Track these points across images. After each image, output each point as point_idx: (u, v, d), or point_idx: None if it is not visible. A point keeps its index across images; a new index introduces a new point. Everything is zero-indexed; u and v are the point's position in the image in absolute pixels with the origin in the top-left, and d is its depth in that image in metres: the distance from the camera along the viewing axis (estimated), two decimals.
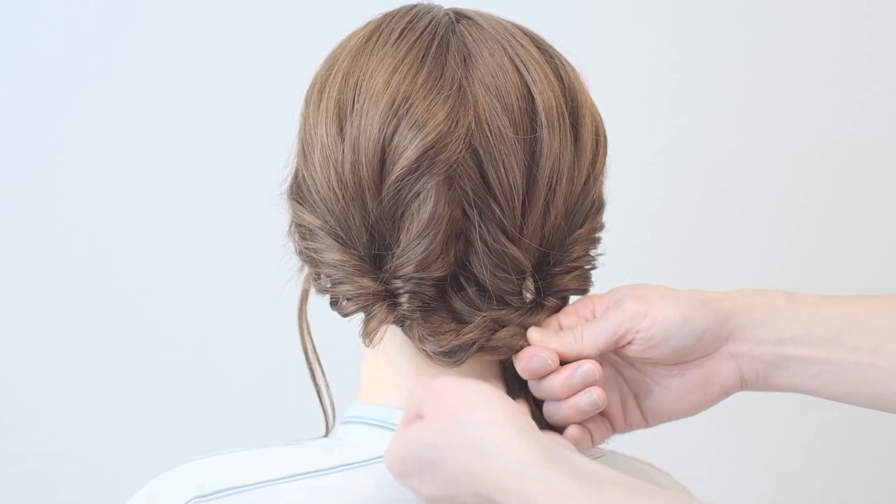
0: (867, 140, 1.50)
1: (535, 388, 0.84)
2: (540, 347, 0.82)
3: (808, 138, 1.49)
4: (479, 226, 0.80)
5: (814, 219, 1.50)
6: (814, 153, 1.50)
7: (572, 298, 0.87)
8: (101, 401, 1.46)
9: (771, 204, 1.50)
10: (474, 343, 0.81)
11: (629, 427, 0.87)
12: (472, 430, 0.75)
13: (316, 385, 0.92)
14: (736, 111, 1.48)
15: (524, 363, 0.82)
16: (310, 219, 0.83)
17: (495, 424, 0.75)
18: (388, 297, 0.81)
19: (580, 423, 0.83)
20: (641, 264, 1.45)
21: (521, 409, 0.77)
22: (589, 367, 0.82)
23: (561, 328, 0.84)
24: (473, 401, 0.77)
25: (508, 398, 0.78)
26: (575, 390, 0.82)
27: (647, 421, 0.87)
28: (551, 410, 0.84)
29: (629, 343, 0.83)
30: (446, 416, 0.77)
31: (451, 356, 0.81)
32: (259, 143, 1.42)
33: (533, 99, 0.81)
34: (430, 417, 0.78)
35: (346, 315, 0.83)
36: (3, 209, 1.44)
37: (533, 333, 0.83)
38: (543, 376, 0.83)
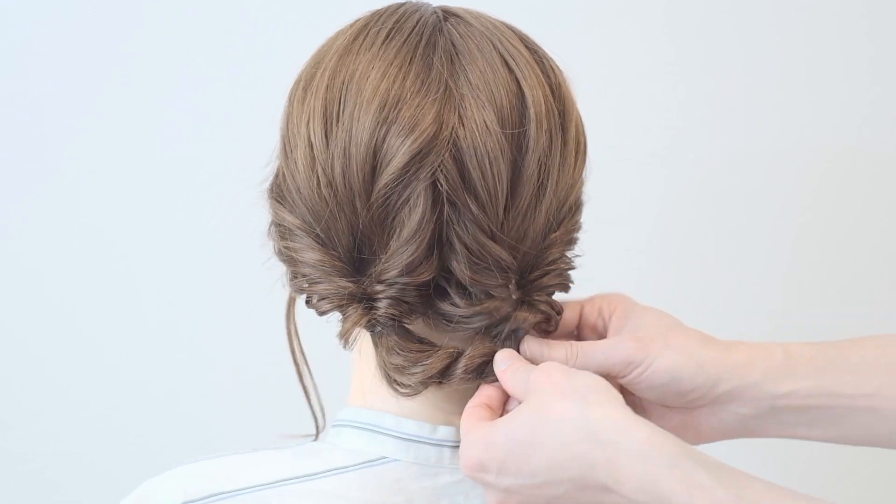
0: (871, 143, 1.49)
1: None
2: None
3: (811, 141, 1.49)
4: (456, 224, 0.78)
5: (817, 222, 1.50)
6: (817, 156, 1.49)
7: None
8: (101, 401, 1.46)
9: (774, 206, 1.49)
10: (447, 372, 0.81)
11: None
12: (585, 408, 0.72)
13: (304, 387, 0.92)
14: (738, 114, 1.48)
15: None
16: (289, 218, 0.83)
17: (613, 405, 0.72)
18: (365, 300, 0.80)
19: None
20: (642, 265, 1.45)
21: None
22: None
23: (581, 320, 0.84)
24: (585, 382, 0.74)
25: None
26: None
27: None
28: None
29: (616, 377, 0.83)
30: (552, 394, 0.74)
31: (415, 389, 0.81)
32: (259, 143, 1.42)
33: (523, 94, 0.80)
34: (531, 398, 0.75)
35: (321, 313, 0.83)
36: (2, 209, 1.44)
37: (530, 345, 0.83)
38: None
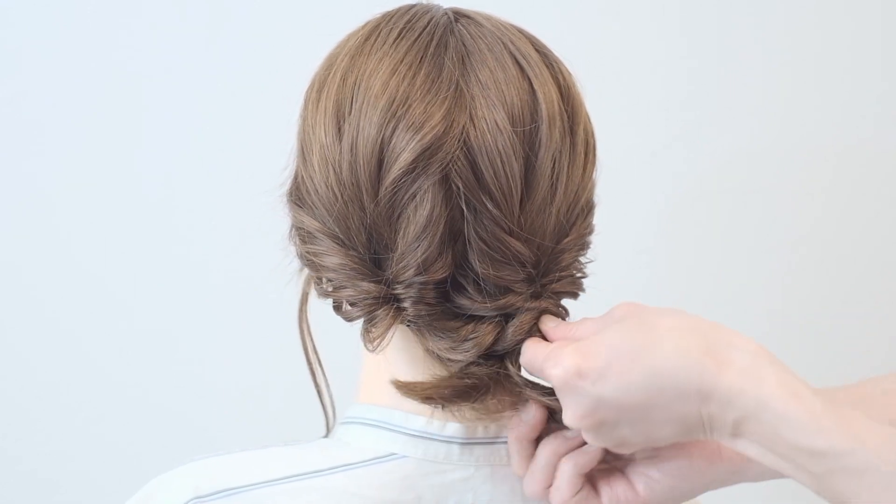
0: (873, 143, 1.50)
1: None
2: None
3: (814, 142, 1.49)
4: (473, 222, 0.79)
5: (818, 222, 1.51)
6: (818, 157, 1.50)
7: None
8: (100, 401, 1.46)
9: (775, 206, 1.50)
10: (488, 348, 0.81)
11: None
12: (692, 320, 0.74)
13: (316, 385, 0.92)
14: (739, 114, 1.48)
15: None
16: (309, 221, 0.83)
17: (711, 321, 0.74)
18: (392, 301, 0.80)
19: None
20: (642, 264, 1.45)
21: None
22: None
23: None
24: (672, 307, 0.76)
25: None
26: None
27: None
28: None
29: None
30: (650, 314, 0.75)
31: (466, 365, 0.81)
32: (259, 144, 1.42)
33: (534, 93, 0.81)
34: (626, 319, 0.76)
35: (350, 320, 0.83)
36: (1, 209, 1.44)
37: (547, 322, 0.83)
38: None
